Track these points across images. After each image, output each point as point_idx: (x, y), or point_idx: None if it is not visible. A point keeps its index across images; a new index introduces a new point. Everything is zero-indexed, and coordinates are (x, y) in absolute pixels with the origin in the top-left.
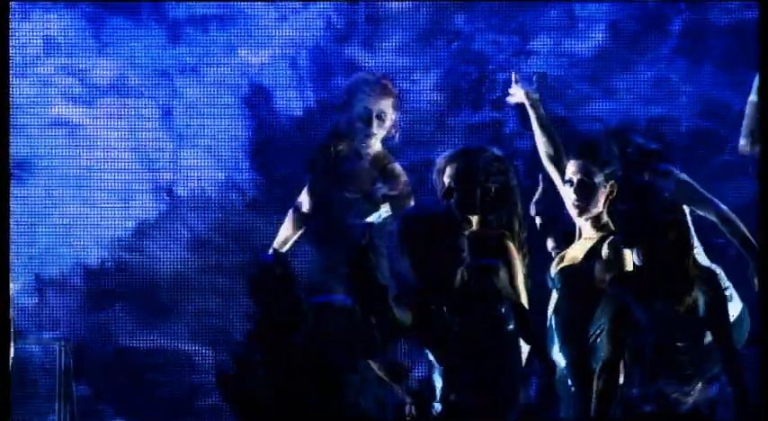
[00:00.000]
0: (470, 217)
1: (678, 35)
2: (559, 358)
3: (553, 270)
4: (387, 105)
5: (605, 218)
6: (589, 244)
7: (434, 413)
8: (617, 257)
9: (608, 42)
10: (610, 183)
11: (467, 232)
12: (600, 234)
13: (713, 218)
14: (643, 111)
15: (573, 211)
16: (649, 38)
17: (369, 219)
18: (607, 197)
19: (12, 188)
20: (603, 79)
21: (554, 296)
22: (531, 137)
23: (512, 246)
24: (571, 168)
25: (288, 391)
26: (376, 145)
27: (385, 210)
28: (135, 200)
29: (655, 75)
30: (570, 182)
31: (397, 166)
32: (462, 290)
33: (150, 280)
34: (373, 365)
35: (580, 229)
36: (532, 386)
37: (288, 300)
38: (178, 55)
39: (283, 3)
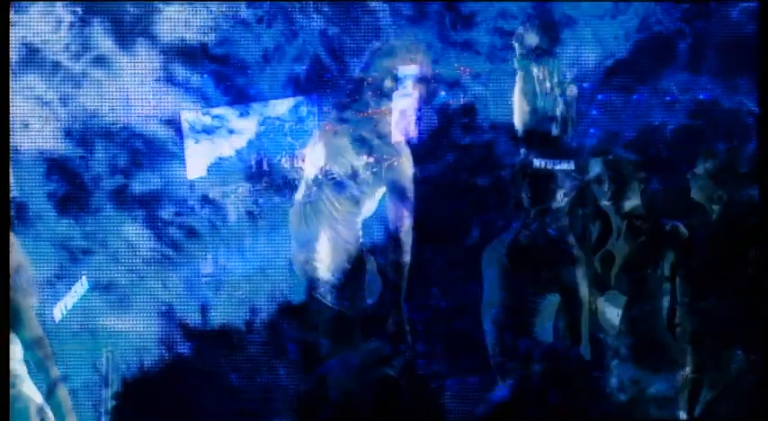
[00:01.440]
0: (541, 205)
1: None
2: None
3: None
4: (407, 70)
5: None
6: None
7: None
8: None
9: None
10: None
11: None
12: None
13: None
14: (630, 121)
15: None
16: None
17: None
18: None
19: None
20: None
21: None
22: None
23: (573, 254)
24: (596, 168)
25: None
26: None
27: None
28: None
29: (646, 86)
30: (599, 180)
31: (410, 154)
32: None
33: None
34: None
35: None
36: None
37: None
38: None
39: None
